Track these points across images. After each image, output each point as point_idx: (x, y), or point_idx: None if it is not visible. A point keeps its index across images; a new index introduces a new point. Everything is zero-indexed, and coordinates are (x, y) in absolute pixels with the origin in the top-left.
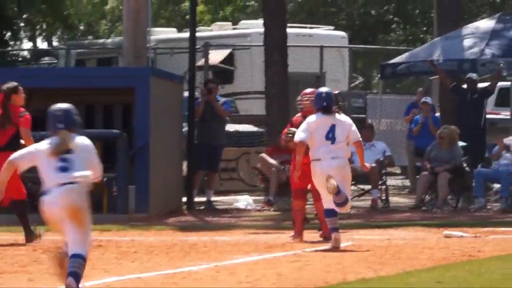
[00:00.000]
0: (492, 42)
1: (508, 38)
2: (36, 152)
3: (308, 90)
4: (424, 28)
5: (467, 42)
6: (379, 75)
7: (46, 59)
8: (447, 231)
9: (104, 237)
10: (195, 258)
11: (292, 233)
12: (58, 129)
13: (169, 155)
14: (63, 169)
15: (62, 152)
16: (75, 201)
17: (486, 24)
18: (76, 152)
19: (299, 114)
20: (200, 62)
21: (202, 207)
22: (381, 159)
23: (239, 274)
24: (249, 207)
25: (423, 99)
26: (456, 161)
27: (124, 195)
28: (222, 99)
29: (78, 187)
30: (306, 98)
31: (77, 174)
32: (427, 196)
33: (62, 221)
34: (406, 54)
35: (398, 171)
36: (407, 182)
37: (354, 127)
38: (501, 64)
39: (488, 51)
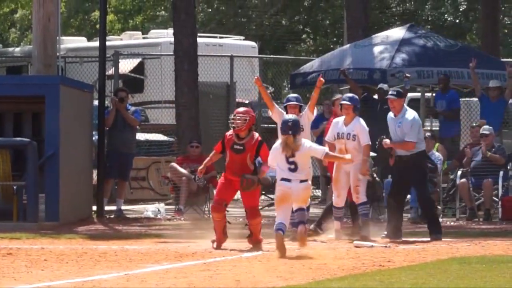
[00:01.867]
0: (401, 51)
1: (418, 47)
2: None
3: (241, 109)
4: (334, 39)
5: (377, 51)
6: (289, 85)
7: None
8: (357, 241)
9: (14, 245)
10: (105, 267)
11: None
12: None
13: (79, 163)
14: None
15: None
16: None
17: (396, 33)
18: None
19: (230, 132)
20: (110, 71)
21: (112, 216)
22: None
23: (150, 283)
24: (159, 216)
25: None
26: None
27: (34, 203)
28: (132, 108)
29: None
30: (238, 117)
31: None
32: None
33: None
34: (316, 61)
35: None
36: (318, 192)
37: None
38: (407, 76)
39: (398, 61)
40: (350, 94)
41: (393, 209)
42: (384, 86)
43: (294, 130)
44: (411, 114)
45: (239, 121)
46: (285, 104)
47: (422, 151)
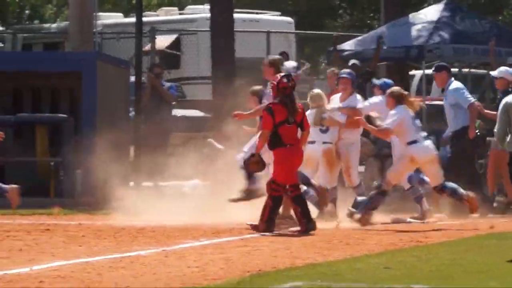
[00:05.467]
0: (439, 29)
1: (455, 24)
2: None
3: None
4: (371, 14)
5: (414, 29)
6: (326, 61)
7: None
8: (394, 216)
9: (51, 221)
10: (143, 243)
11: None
12: None
13: (115, 139)
14: None
15: None
16: None
17: (433, 10)
18: None
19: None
20: (147, 47)
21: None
22: None
23: (188, 259)
24: (197, 192)
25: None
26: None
27: (71, 179)
28: (168, 84)
29: None
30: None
31: None
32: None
33: None
34: (353, 41)
35: None
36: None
37: None
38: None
39: (435, 38)
40: (348, 70)
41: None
42: (356, 61)
43: None
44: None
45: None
46: (338, 77)
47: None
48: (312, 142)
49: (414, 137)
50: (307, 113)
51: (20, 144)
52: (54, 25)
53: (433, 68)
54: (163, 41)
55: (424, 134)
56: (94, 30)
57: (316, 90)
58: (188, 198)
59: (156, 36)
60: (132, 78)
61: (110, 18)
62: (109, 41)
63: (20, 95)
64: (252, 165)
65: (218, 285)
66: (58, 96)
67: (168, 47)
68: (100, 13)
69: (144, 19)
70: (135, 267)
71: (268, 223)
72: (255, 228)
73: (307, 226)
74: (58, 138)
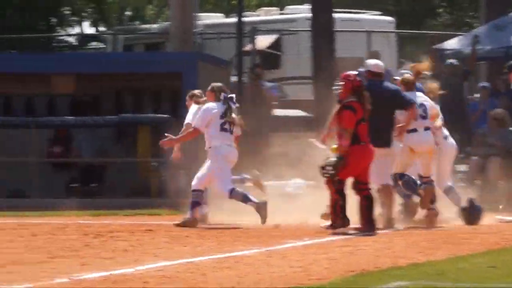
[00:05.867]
0: None
1: None
2: None
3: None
4: (471, 13)
5: None
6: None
7: (93, 44)
8: (499, 216)
9: (154, 222)
10: (246, 243)
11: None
12: None
13: None
14: None
15: None
16: None
17: None
18: None
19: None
20: (247, 47)
21: None
22: None
23: (291, 259)
24: (300, 192)
25: (481, 84)
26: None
27: (173, 179)
28: (268, 84)
29: None
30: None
31: None
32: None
33: None
34: (453, 40)
35: None
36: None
37: None
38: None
39: None
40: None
41: None
42: (454, 61)
43: None
44: None
45: (338, 87)
46: None
47: None
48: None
49: (414, 125)
50: None
51: (122, 145)
52: (155, 26)
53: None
54: (263, 41)
55: (426, 124)
56: (195, 30)
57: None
58: (292, 198)
59: (256, 36)
60: (233, 78)
61: (210, 18)
62: (210, 41)
63: (122, 96)
64: (342, 168)
65: (322, 285)
66: (159, 96)
67: (269, 47)
68: (201, 14)
69: (245, 19)
70: (239, 267)
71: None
72: (330, 227)
73: (368, 227)
74: (160, 138)
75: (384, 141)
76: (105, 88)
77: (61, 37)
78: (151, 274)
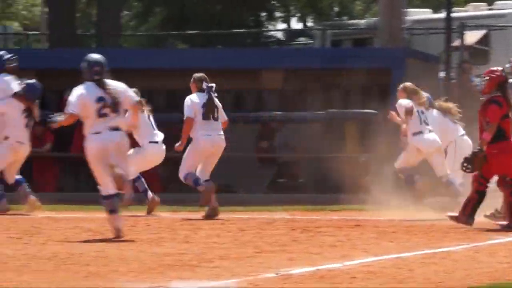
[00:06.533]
0: None
1: None
2: None
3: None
4: None
5: None
6: None
7: (301, 40)
8: None
9: (361, 217)
10: (454, 239)
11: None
12: None
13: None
14: None
15: None
16: None
17: None
18: None
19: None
20: (456, 42)
21: None
22: None
23: (499, 255)
24: None
25: None
26: None
27: (382, 175)
28: (477, 79)
29: None
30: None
31: None
32: None
33: None
34: None
35: None
36: None
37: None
38: None
39: None
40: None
41: None
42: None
43: None
44: None
45: (483, 83)
46: None
47: None
48: None
49: (420, 129)
50: None
51: (330, 140)
52: (363, 21)
53: None
54: (471, 37)
55: (430, 127)
56: (403, 26)
57: None
58: None
59: (465, 32)
60: (441, 74)
61: (419, 14)
62: (418, 37)
63: (329, 92)
64: (477, 161)
65: None
66: (367, 92)
67: (477, 42)
68: (409, 9)
69: (453, 14)
70: (446, 263)
71: (469, 217)
72: (454, 219)
73: None
74: (369, 134)
75: None
76: (310, 83)
77: (269, 33)
78: (358, 269)
